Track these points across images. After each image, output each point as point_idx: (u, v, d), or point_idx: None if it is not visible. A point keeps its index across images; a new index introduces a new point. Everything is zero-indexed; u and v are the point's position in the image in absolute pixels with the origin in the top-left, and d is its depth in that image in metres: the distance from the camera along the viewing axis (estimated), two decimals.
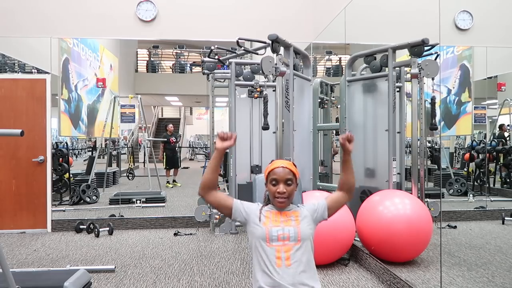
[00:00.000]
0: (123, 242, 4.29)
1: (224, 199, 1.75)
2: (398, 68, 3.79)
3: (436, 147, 5.37)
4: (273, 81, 3.79)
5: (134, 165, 8.34)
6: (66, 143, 6.31)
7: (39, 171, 4.78)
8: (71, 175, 6.11)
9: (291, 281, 1.59)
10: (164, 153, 8.02)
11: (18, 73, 5.64)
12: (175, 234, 4.62)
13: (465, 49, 4.73)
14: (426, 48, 3.40)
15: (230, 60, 4.64)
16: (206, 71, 4.68)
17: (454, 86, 4.79)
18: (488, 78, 4.58)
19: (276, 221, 1.71)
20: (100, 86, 6.41)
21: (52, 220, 4.80)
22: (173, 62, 7.92)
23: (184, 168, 12.42)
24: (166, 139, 8.06)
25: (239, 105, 4.74)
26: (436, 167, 5.36)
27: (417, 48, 3.39)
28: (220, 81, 4.95)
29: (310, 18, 5.35)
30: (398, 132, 3.73)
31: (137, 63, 7.72)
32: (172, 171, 8.19)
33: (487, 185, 4.76)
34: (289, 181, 1.72)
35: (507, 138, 4.56)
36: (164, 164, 8.06)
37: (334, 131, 5.48)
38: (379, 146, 3.82)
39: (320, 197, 3.57)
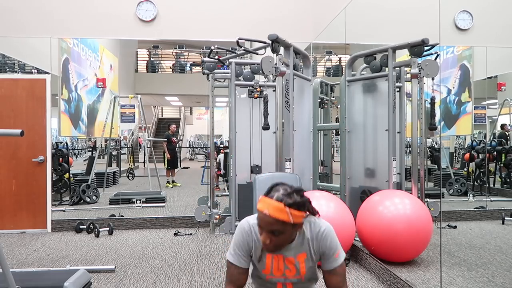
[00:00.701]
0: (123, 242, 4.29)
1: (240, 278, 1.52)
2: (398, 68, 3.80)
3: (436, 147, 5.37)
4: (273, 81, 3.80)
5: (134, 165, 8.34)
6: (66, 143, 6.31)
7: (39, 171, 4.78)
8: (71, 175, 6.11)
9: None
10: (166, 153, 8.04)
11: (18, 73, 5.64)
12: (175, 234, 4.62)
13: (465, 49, 4.73)
14: (426, 48, 3.41)
15: (230, 60, 4.64)
16: (206, 71, 4.69)
17: (454, 86, 4.79)
18: (488, 78, 4.58)
19: (279, 270, 1.49)
20: (100, 86, 6.41)
21: (52, 220, 4.80)
22: (173, 62, 7.92)
23: (184, 168, 12.44)
24: (168, 138, 8.06)
25: (239, 105, 4.74)
26: (436, 167, 5.36)
27: (417, 48, 3.39)
28: (220, 81, 4.95)
29: (310, 18, 5.35)
30: (398, 132, 3.73)
31: (137, 63, 7.72)
32: (170, 171, 8.20)
33: (487, 185, 4.76)
34: (275, 232, 1.36)
35: (508, 138, 4.55)
36: (166, 164, 8.07)
37: (334, 131, 5.48)
38: (379, 146, 3.82)
39: (314, 196, 3.57)
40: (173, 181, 8.24)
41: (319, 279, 1.64)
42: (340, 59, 6.97)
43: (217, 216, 4.64)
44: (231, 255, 1.51)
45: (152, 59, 7.77)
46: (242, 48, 4.13)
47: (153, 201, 5.97)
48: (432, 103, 3.62)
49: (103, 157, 6.78)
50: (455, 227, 4.16)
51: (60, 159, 5.91)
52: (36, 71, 5.47)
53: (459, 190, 5.04)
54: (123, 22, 5.09)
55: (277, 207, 1.32)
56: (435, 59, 3.60)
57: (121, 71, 6.96)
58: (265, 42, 3.78)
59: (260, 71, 3.66)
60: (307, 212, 1.45)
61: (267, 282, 1.55)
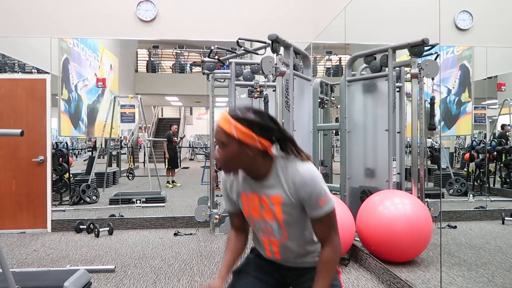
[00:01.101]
0: (123, 242, 4.29)
1: (235, 221, 1.57)
2: (398, 68, 3.79)
3: (436, 147, 5.37)
4: (273, 81, 3.79)
5: (134, 165, 8.35)
6: (66, 143, 6.31)
7: (39, 171, 4.78)
8: (71, 175, 6.11)
9: (283, 263, 1.51)
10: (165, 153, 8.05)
11: (18, 73, 5.64)
12: (175, 234, 4.62)
13: (465, 49, 4.73)
14: (426, 48, 3.40)
15: (230, 60, 4.64)
16: (206, 71, 4.69)
17: (454, 86, 4.79)
18: (488, 78, 4.58)
19: (255, 210, 1.41)
20: (100, 86, 6.41)
21: (52, 220, 4.80)
22: (173, 62, 7.92)
23: (184, 168, 12.44)
24: (168, 138, 8.06)
25: (239, 105, 4.73)
26: (436, 167, 5.36)
27: (417, 48, 3.39)
28: (220, 81, 4.95)
29: (310, 18, 5.35)
30: (398, 132, 3.73)
31: (137, 63, 7.73)
32: (170, 171, 8.21)
33: (487, 185, 4.76)
34: (220, 143, 1.31)
35: (508, 138, 4.56)
36: (166, 164, 8.07)
37: (334, 131, 5.48)
38: (379, 146, 3.82)
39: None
40: (173, 181, 8.24)
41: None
42: (340, 59, 6.97)
43: (217, 216, 4.64)
44: (225, 204, 1.56)
45: (152, 59, 7.77)
46: (242, 48, 4.12)
47: (153, 201, 5.97)
48: (432, 103, 3.63)
49: (103, 157, 6.78)
50: (455, 227, 4.16)
51: (60, 159, 5.91)
52: (36, 71, 5.47)
53: (459, 190, 5.04)
54: (123, 22, 5.09)
55: (224, 116, 1.29)
56: (435, 59, 3.60)
57: (121, 71, 6.96)
58: (265, 42, 3.78)
59: (260, 71, 3.66)
60: (268, 141, 1.31)
61: (257, 237, 1.54)
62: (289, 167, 1.33)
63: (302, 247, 1.44)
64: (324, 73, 7.29)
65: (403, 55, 3.77)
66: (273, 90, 4.11)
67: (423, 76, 3.39)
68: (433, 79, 3.46)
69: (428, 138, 4.90)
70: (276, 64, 3.44)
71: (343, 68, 5.80)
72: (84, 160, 7.01)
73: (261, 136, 1.29)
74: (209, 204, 4.74)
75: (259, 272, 1.55)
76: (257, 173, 1.35)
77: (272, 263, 1.54)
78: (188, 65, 7.94)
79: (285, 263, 1.50)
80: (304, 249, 1.45)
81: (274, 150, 1.36)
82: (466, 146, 5.14)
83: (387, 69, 3.68)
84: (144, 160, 7.47)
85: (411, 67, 3.47)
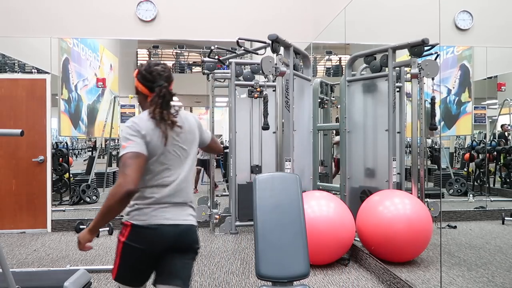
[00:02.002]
0: None
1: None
2: (398, 68, 3.79)
3: (436, 147, 5.37)
4: (273, 81, 3.80)
5: None
6: (66, 143, 6.30)
7: (39, 171, 4.77)
8: (71, 175, 6.11)
9: None
10: None
11: (18, 73, 5.64)
12: None
13: (465, 49, 4.73)
14: (426, 48, 3.40)
15: (230, 60, 4.64)
16: (206, 71, 4.69)
17: (454, 86, 4.80)
18: (488, 78, 4.58)
19: None
20: (100, 86, 6.41)
21: (52, 220, 4.80)
22: (173, 62, 7.91)
23: None
24: None
25: (239, 105, 4.74)
26: (436, 167, 5.36)
27: (417, 48, 3.39)
28: (220, 81, 4.95)
29: (310, 18, 5.35)
30: (398, 132, 3.73)
31: (137, 63, 7.71)
32: None
33: (487, 185, 4.76)
34: None
35: (508, 138, 4.56)
36: None
37: (334, 131, 5.48)
38: (379, 146, 3.82)
39: (314, 196, 3.58)
40: None
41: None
42: (340, 59, 6.96)
43: (217, 216, 4.64)
44: None
45: (152, 59, 7.76)
46: (242, 48, 4.13)
47: None
48: (433, 103, 3.63)
49: (103, 157, 6.77)
50: (455, 227, 4.17)
51: (60, 159, 5.90)
52: (36, 71, 5.47)
53: (459, 190, 5.04)
54: (123, 22, 5.09)
55: None
56: (435, 59, 3.60)
57: (121, 71, 6.95)
58: (265, 42, 3.78)
59: (260, 71, 3.67)
60: (145, 88, 1.62)
61: None
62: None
63: None
64: (324, 73, 7.29)
65: (403, 55, 3.78)
66: (273, 90, 4.11)
67: (423, 76, 3.39)
68: (433, 79, 3.46)
69: (428, 138, 4.90)
70: (276, 64, 3.44)
71: (343, 68, 5.80)
72: (84, 160, 7.00)
73: (139, 81, 1.62)
74: (209, 204, 4.74)
75: None
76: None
77: None
78: (187, 65, 7.94)
79: None
80: None
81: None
82: (466, 146, 5.14)
83: (387, 69, 3.68)
84: None
85: (411, 67, 3.47)
